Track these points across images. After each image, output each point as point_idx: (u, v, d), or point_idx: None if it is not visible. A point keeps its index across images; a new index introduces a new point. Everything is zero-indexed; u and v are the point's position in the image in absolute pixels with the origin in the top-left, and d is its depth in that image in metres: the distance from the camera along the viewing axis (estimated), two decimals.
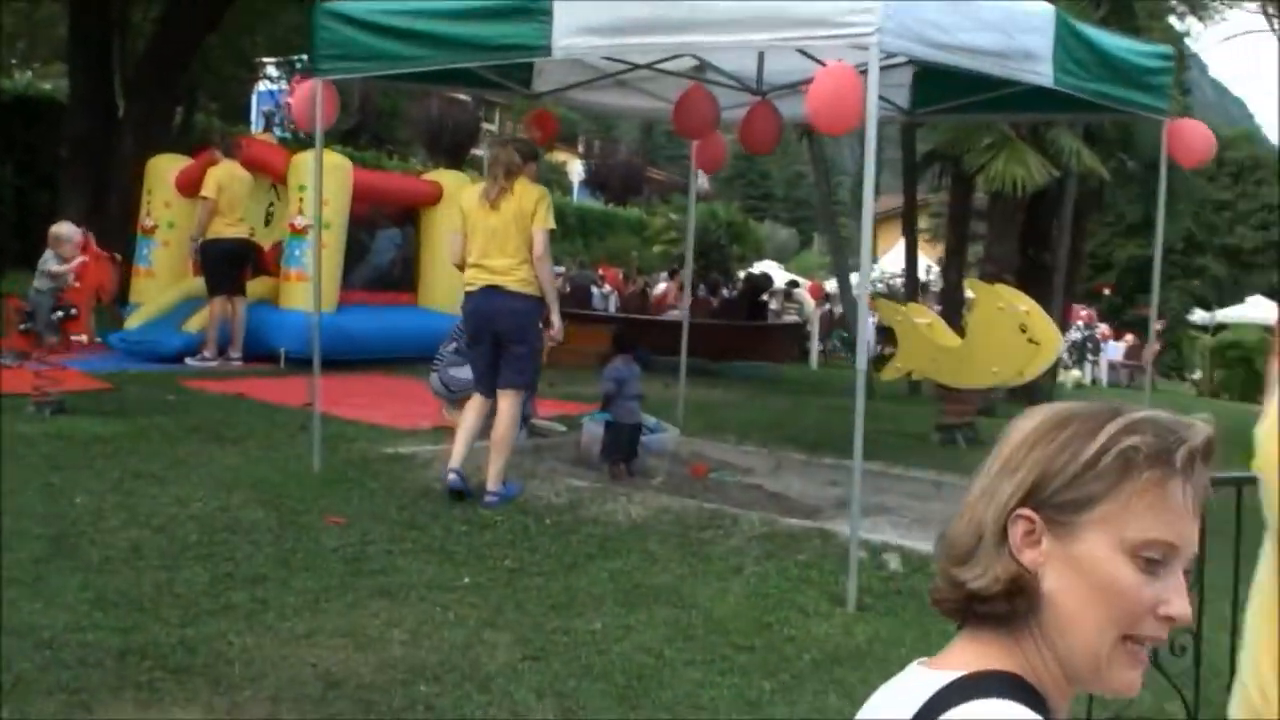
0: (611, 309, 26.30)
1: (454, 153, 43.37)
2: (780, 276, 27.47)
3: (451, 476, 8.68)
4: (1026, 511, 1.58)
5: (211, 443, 9.86)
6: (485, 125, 60.30)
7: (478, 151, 50.82)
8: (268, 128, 31.24)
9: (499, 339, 8.81)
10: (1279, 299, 48.61)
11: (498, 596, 6.80)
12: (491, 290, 8.75)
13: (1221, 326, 37.08)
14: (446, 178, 17.47)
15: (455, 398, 10.64)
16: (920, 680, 1.59)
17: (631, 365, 10.18)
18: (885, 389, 18.31)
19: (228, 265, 14.58)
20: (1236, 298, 50.80)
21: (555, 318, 9.06)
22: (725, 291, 26.51)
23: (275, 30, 26.53)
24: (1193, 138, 9.96)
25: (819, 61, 10.62)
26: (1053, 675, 1.59)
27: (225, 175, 14.60)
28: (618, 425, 10.08)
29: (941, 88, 10.80)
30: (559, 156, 68.01)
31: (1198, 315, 49.31)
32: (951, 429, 12.99)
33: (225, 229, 14.49)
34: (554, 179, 53.02)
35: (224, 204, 14.48)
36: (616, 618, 6.58)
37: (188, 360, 14.34)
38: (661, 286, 29.49)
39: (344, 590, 6.72)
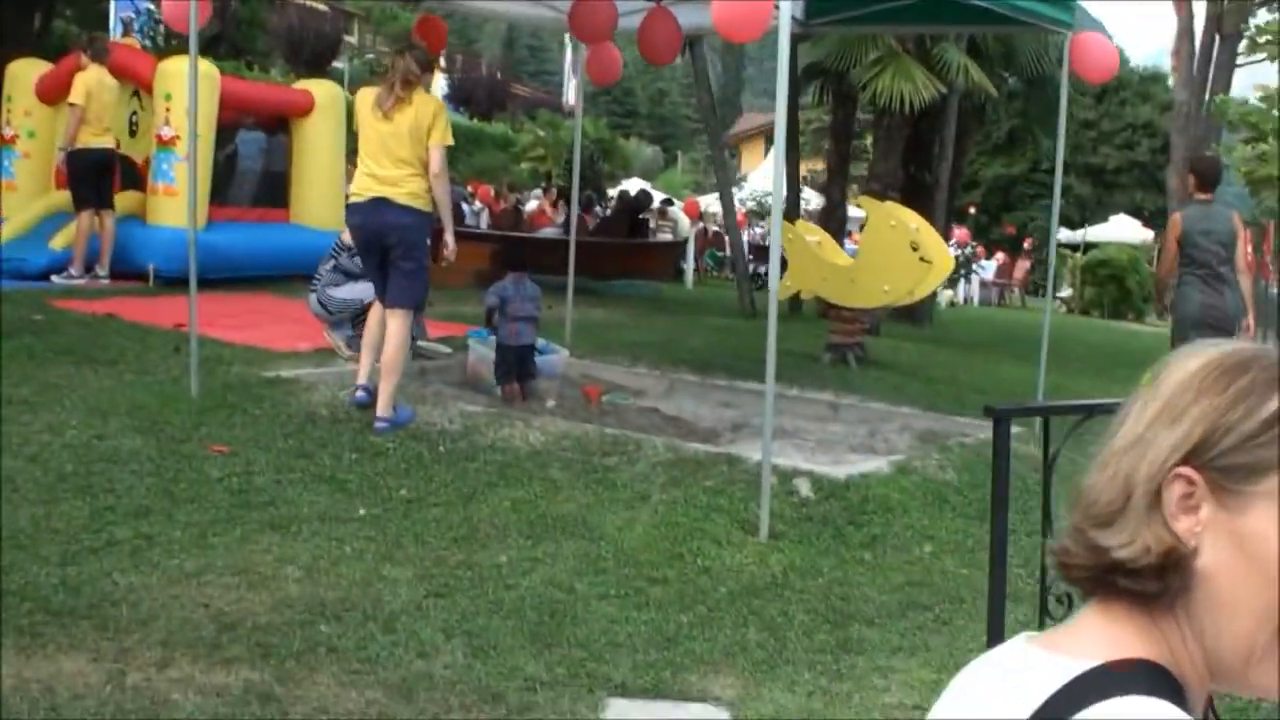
0: (483, 226, 25.81)
1: (314, 64, 42.57)
2: (651, 195, 27.05)
3: (359, 393, 8.45)
4: (1187, 471, 1.27)
5: (83, 365, 9.36)
6: (346, 37, 59.44)
7: (338, 64, 50.00)
8: (126, 34, 30.17)
9: (387, 253, 8.47)
10: (1142, 217, 49.38)
11: (395, 529, 6.49)
12: (380, 202, 8.37)
13: (1091, 245, 37.35)
14: (318, 87, 16.82)
15: (335, 318, 10.26)
16: (1039, 666, 1.29)
17: (521, 283, 9.83)
18: (766, 308, 18.12)
19: (95, 177, 13.92)
20: (1101, 216, 51.45)
21: (450, 236, 8.80)
22: (599, 209, 26.16)
23: None
24: (1096, 53, 9.78)
25: None
26: (1195, 666, 1.29)
27: (94, 82, 13.90)
28: (504, 347, 9.75)
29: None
30: None
31: (1064, 234, 49.81)
32: (842, 349, 12.80)
33: (92, 139, 13.83)
34: None
35: (92, 113, 13.79)
36: (522, 550, 6.31)
37: (54, 278, 13.72)
38: (533, 204, 29.04)
39: (232, 524, 6.37)
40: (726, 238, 32.52)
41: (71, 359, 9.54)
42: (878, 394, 11.12)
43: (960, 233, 31.15)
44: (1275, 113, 19.45)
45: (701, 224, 30.49)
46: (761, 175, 46.39)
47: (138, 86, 15.02)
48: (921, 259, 11.60)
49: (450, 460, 7.56)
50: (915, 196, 16.43)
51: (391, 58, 8.81)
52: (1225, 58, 42.93)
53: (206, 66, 14.54)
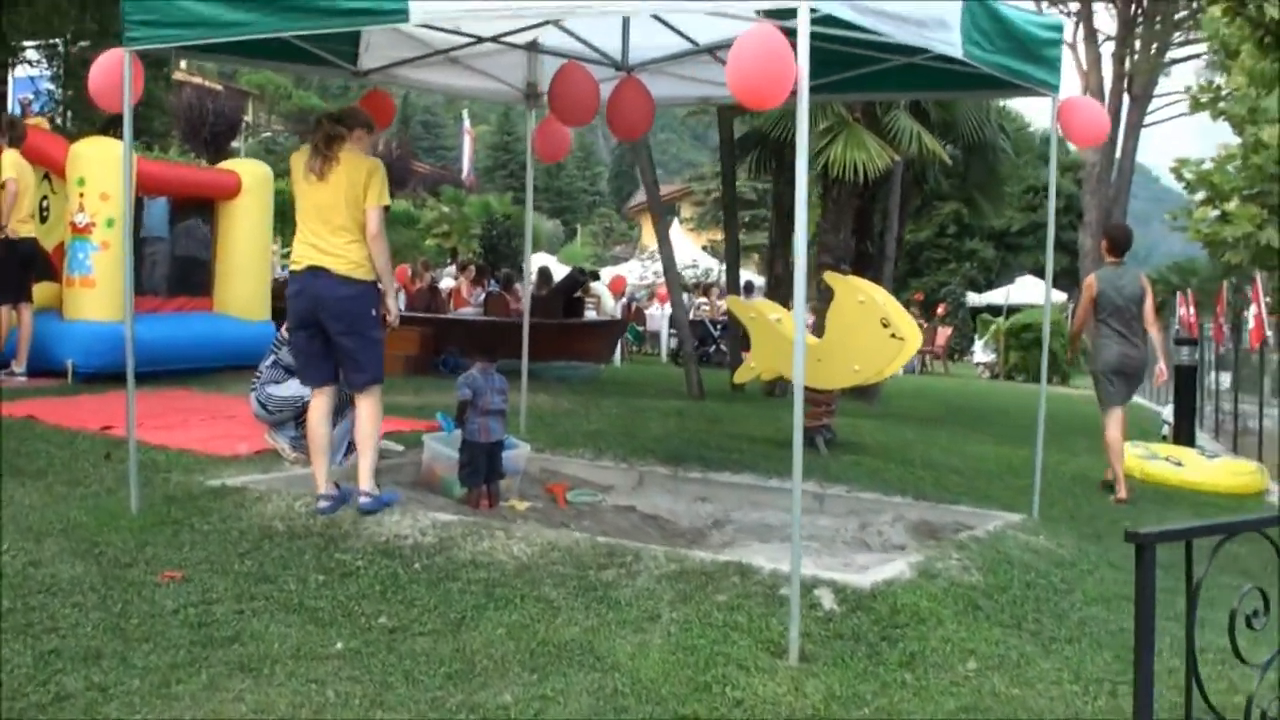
0: (401, 308, 24.99)
1: (214, 144, 41.73)
2: (557, 269, 26.20)
3: (322, 504, 7.78)
4: None
5: (8, 478, 8.51)
6: (245, 118, 58.67)
7: (235, 144, 49.16)
8: (23, 116, 29.11)
9: (327, 329, 7.86)
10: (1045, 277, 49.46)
11: (381, 665, 5.72)
12: (317, 272, 7.77)
13: (1014, 309, 37.18)
14: (245, 168, 16.01)
15: (276, 418, 9.48)
16: None
17: (490, 374, 9.10)
18: (712, 389, 17.50)
19: (19, 269, 13.03)
20: (1007, 278, 51.62)
21: (391, 302, 8.20)
22: (519, 287, 25.37)
23: (36, 8, 24.59)
24: (1087, 117, 9.25)
25: (690, 38, 9.78)
26: None
27: (18, 163, 13.04)
28: (474, 444, 9.00)
29: (814, 63, 9.93)
30: None
31: (976, 298, 49.86)
32: (810, 432, 12.12)
33: (19, 226, 12.96)
34: None
35: (25, 199, 12.94)
36: (528, 687, 5.56)
37: None
38: (448, 282, 28.22)
39: (195, 666, 5.59)
40: (647, 312, 32.02)
41: None
42: (858, 481, 10.47)
43: None
44: (1231, 170, 19.19)
45: (624, 299, 29.88)
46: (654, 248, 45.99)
47: (49, 170, 14.10)
48: (893, 336, 11.03)
49: (429, 580, 6.79)
50: (863, 268, 15.91)
51: (316, 119, 8.13)
52: (1135, 118, 43.28)
53: (120, 147, 13.76)
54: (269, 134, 67.28)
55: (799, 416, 6.33)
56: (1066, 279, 56.15)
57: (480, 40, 9.91)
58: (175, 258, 15.33)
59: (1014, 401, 22.77)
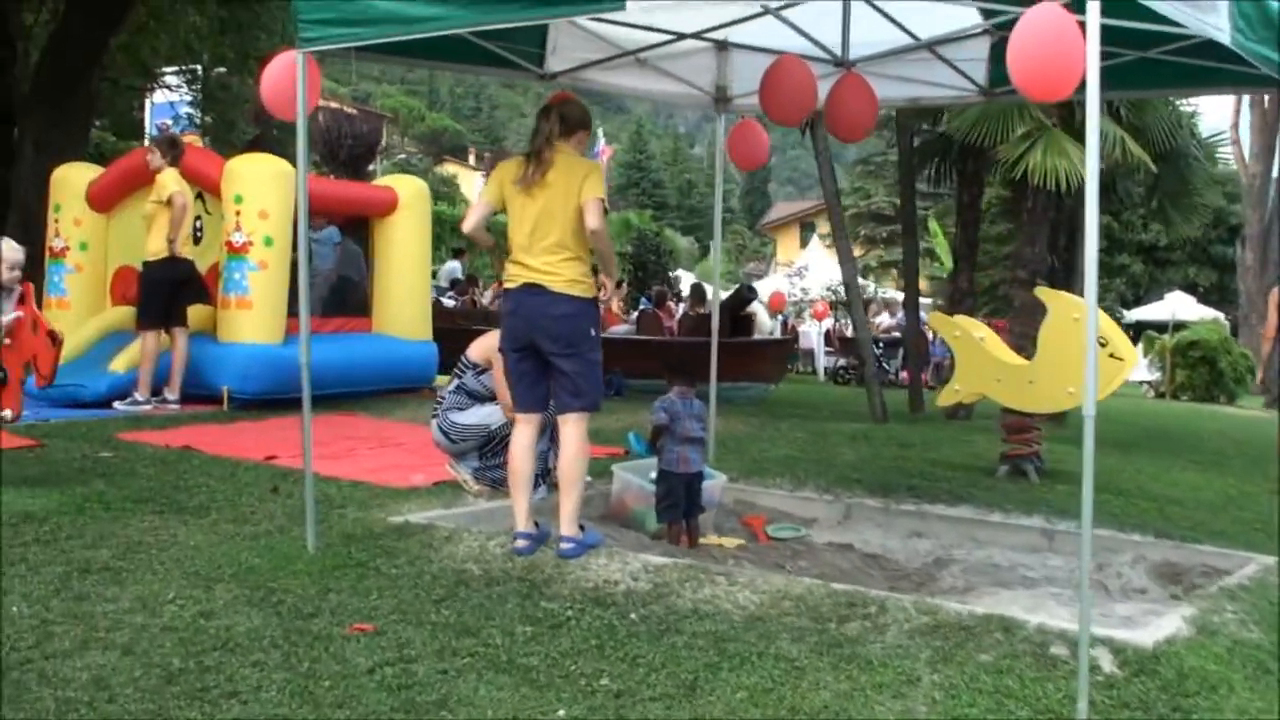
0: None
1: (352, 165, 41.50)
2: (754, 289, 25.40)
3: (520, 543, 7.04)
4: None
5: (169, 516, 7.87)
6: (381, 140, 58.70)
7: (372, 167, 49.09)
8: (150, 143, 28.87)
9: (542, 350, 7.13)
10: (1196, 293, 47.87)
11: None
12: (533, 289, 7.08)
13: (1180, 326, 35.80)
14: (402, 184, 15.38)
15: (459, 448, 8.75)
16: None
17: (689, 399, 8.31)
18: (895, 412, 16.61)
19: (172, 292, 12.47)
20: (1155, 294, 50.07)
21: (610, 281, 7.81)
22: (673, 305, 24.68)
23: (176, 32, 24.34)
24: None
25: (910, 32, 8.93)
26: None
27: (181, 180, 12.51)
28: (671, 475, 8.21)
29: None
30: (449, 169, 66.54)
31: (1133, 313, 48.39)
32: (1019, 460, 11.22)
33: (181, 249, 12.43)
34: (445, 192, 51.40)
35: (173, 215, 12.38)
36: None
37: (117, 405, 12.26)
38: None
39: None
40: (800, 330, 31.15)
41: (154, 508, 8.07)
42: (1078, 515, 9.51)
43: None
44: None
45: (781, 316, 29.06)
46: (813, 265, 45.09)
47: (202, 190, 13.54)
48: (1112, 355, 10.07)
49: (650, 633, 5.97)
50: (1052, 284, 14.93)
51: (536, 119, 7.38)
52: None
53: (279, 163, 13.19)
54: (403, 155, 67.35)
55: (1089, 449, 5.48)
56: (1216, 295, 54.61)
57: (671, 39, 9.16)
58: (333, 277, 14.76)
59: (1195, 423, 21.60)
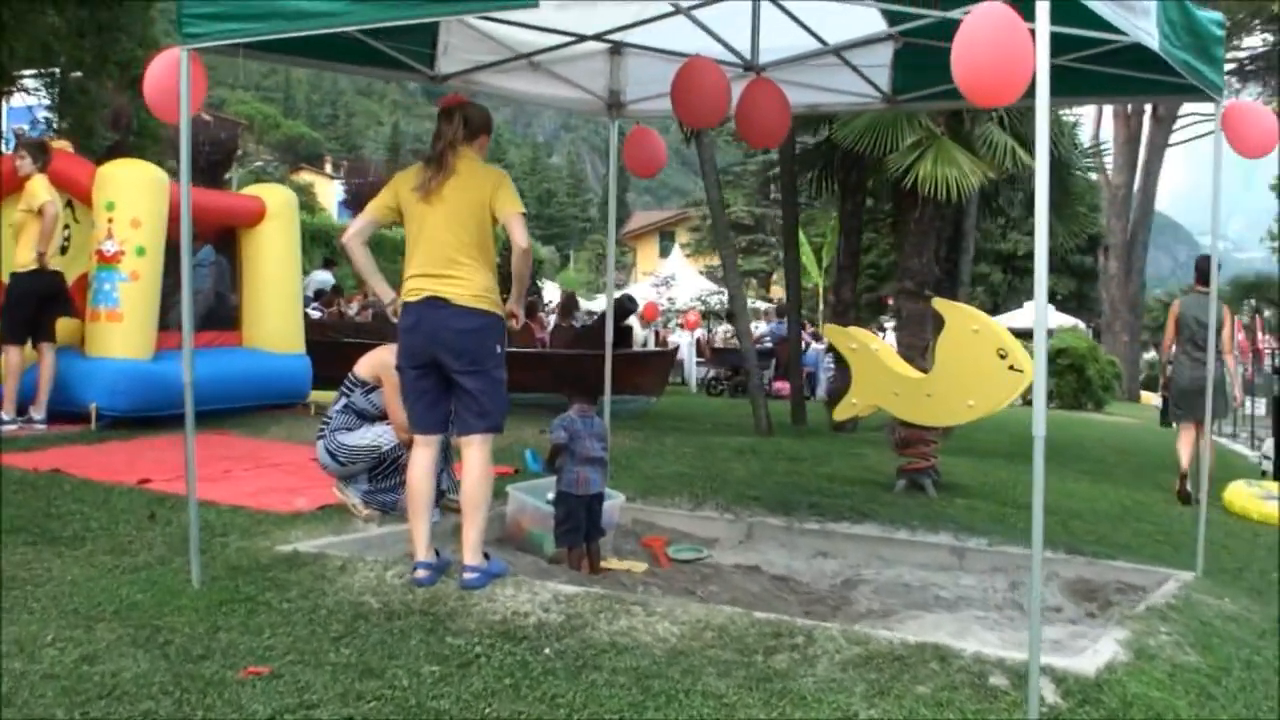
0: None
1: (210, 173, 40.67)
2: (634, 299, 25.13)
3: (420, 573, 6.64)
4: None
5: (42, 546, 7.37)
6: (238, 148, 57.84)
7: (229, 175, 48.20)
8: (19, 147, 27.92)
9: (445, 367, 6.76)
10: (1055, 302, 48.40)
11: None
12: (434, 302, 6.71)
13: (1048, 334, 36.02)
14: (270, 193, 14.82)
15: (348, 470, 8.32)
16: None
17: (589, 417, 7.96)
18: (777, 424, 16.38)
19: (39, 305, 11.82)
20: (1015, 303, 50.55)
21: (518, 307, 7.14)
22: (544, 316, 24.32)
23: (34, 33, 23.46)
24: (1256, 124, 8.13)
25: (819, 36, 8.66)
26: None
27: (51, 188, 11.89)
28: (570, 497, 7.86)
29: (925, 69, 8.89)
30: (305, 177, 65.73)
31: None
32: (916, 474, 11.00)
33: (45, 257, 11.81)
34: (301, 201, 50.67)
35: (43, 226, 11.76)
36: None
37: None
38: None
39: None
40: (669, 340, 30.87)
41: (25, 538, 7.56)
42: (984, 530, 9.33)
43: None
44: None
45: (653, 327, 28.78)
46: (673, 273, 44.94)
47: (71, 197, 12.88)
48: (1011, 368, 9.88)
49: (567, 670, 5.60)
50: (942, 295, 14.81)
51: (437, 122, 6.99)
52: (1160, 140, 42.38)
53: (152, 170, 12.62)
54: (259, 163, 66.40)
55: (1039, 470, 5.26)
56: (1074, 302, 55.24)
57: (567, 42, 8.82)
58: (197, 291, 14.21)
59: (1072, 431, 21.60)
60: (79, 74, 25.03)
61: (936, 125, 14.11)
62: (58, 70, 25.38)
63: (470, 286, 6.66)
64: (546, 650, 5.81)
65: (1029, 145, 15.16)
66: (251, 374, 13.40)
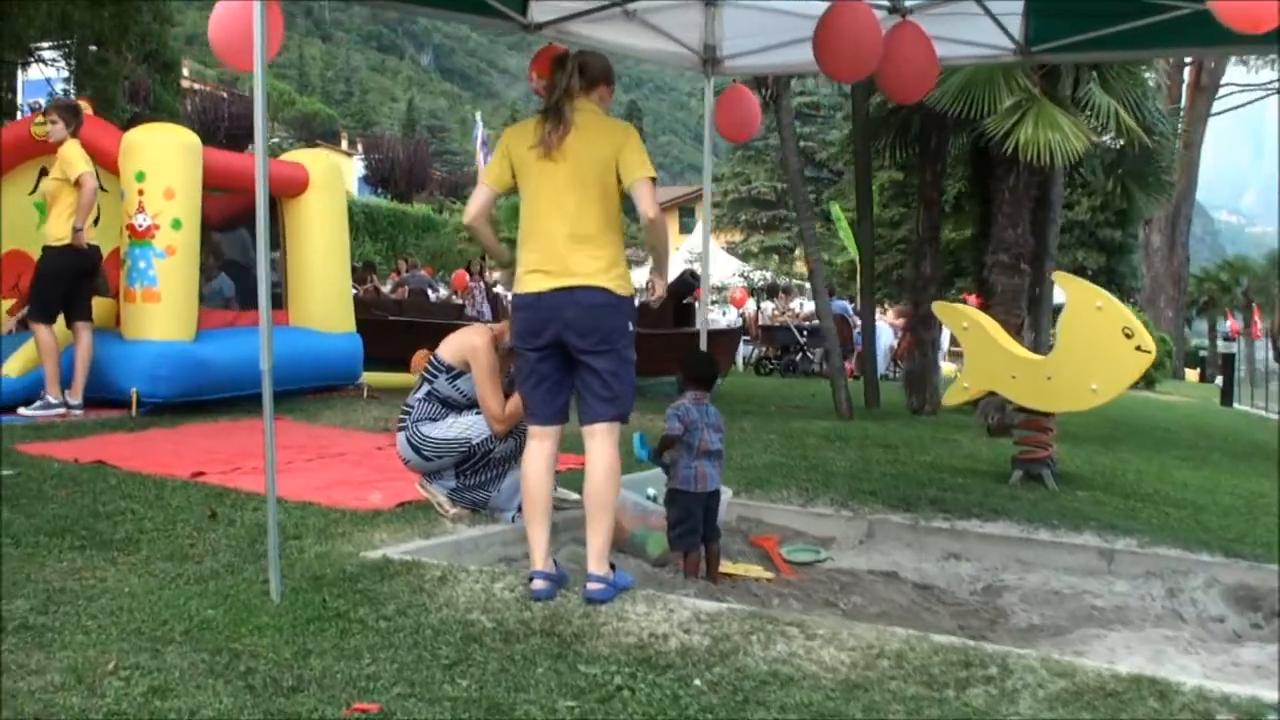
0: (487, 314, 23.14)
1: (229, 148, 40.07)
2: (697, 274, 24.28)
3: (538, 584, 5.77)
4: None
5: (93, 552, 6.50)
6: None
7: (249, 150, 47.68)
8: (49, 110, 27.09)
9: (570, 346, 5.90)
10: (1086, 276, 47.34)
11: None
12: (567, 291, 5.84)
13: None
14: (313, 159, 13.93)
15: (433, 466, 7.45)
16: None
17: (704, 406, 7.07)
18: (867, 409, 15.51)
19: (74, 282, 10.97)
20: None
21: (661, 282, 6.55)
22: None
23: (54, 3, 22.62)
24: None
25: None
26: None
27: (86, 155, 11.04)
28: (686, 495, 6.97)
29: (1062, 18, 8.02)
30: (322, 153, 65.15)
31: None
32: (1034, 465, 10.10)
33: (81, 234, 10.94)
34: None
35: (81, 198, 10.88)
36: None
37: (23, 411, 10.76)
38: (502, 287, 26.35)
39: None
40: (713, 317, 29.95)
41: (73, 541, 6.69)
42: (1123, 528, 8.44)
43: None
44: None
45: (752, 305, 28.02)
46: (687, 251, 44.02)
47: (98, 165, 11.97)
48: (1138, 348, 9.05)
49: (726, 706, 4.72)
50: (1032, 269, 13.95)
51: (550, 73, 6.09)
52: (1203, 109, 41.47)
53: (188, 135, 11.73)
54: (275, 140, 65.88)
55: None
56: (1104, 278, 54.15)
57: None
58: (242, 267, 13.33)
59: (1141, 412, 20.70)
60: (97, 46, 24.25)
61: (1034, 86, 13.20)
62: (73, 41, 24.58)
63: (601, 257, 5.79)
64: (697, 681, 4.94)
65: (1129, 108, 14.28)
66: (300, 355, 12.51)
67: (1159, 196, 16.64)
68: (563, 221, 5.80)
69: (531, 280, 5.88)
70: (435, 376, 7.44)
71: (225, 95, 54.33)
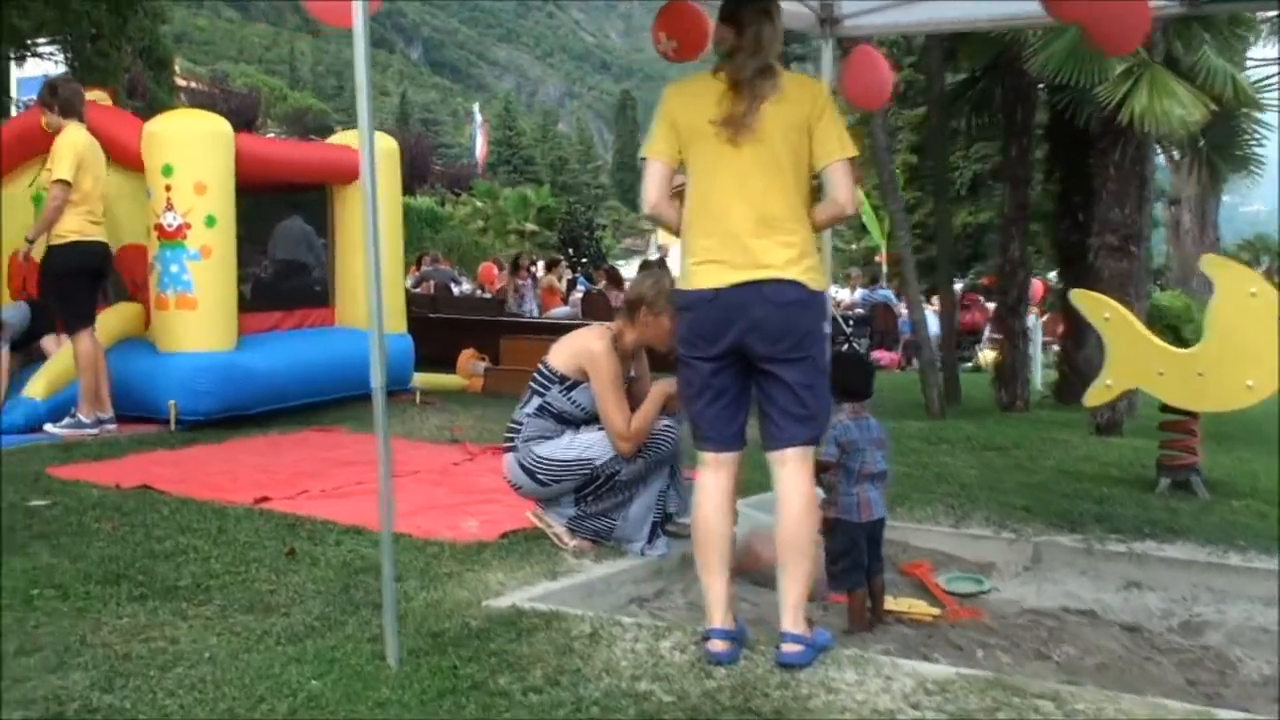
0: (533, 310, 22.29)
1: None
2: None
3: (718, 646, 4.70)
4: None
5: (156, 602, 5.42)
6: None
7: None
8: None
9: (752, 354, 4.79)
10: None
11: None
12: (755, 286, 4.72)
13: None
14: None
15: (552, 492, 6.41)
16: None
17: (865, 419, 6.02)
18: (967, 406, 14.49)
19: (87, 282, 9.91)
20: None
21: None
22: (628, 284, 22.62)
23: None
24: None
25: None
26: None
27: (83, 145, 9.82)
28: (850, 526, 5.92)
29: None
30: None
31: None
32: (1180, 471, 9.06)
33: (88, 226, 9.83)
34: None
35: (83, 189, 9.73)
36: None
37: (51, 428, 9.70)
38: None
39: None
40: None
41: (130, 590, 5.62)
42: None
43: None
44: None
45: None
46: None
47: (114, 161, 10.77)
48: None
49: None
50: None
51: (717, 29, 5.00)
52: None
53: (216, 121, 10.67)
54: (271, 135, 65.13)
55: None
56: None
57: None
58: (279, 263, 12.28)
59: None
60: (95, 39, 23.42)
61: (1148, 51, 12.20)
62: (71, 36, 23.74)
63: (793, 245, 4.74)
64: None
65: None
66: (350, 358, 11.39)
67: (1244, 170, 15.52)
68: (747, 203, 4.73)
69: (706, 273, 4.78)
70: (547, 388, 6.39)
71: (219, 91, 53.56)
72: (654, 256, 47.93)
